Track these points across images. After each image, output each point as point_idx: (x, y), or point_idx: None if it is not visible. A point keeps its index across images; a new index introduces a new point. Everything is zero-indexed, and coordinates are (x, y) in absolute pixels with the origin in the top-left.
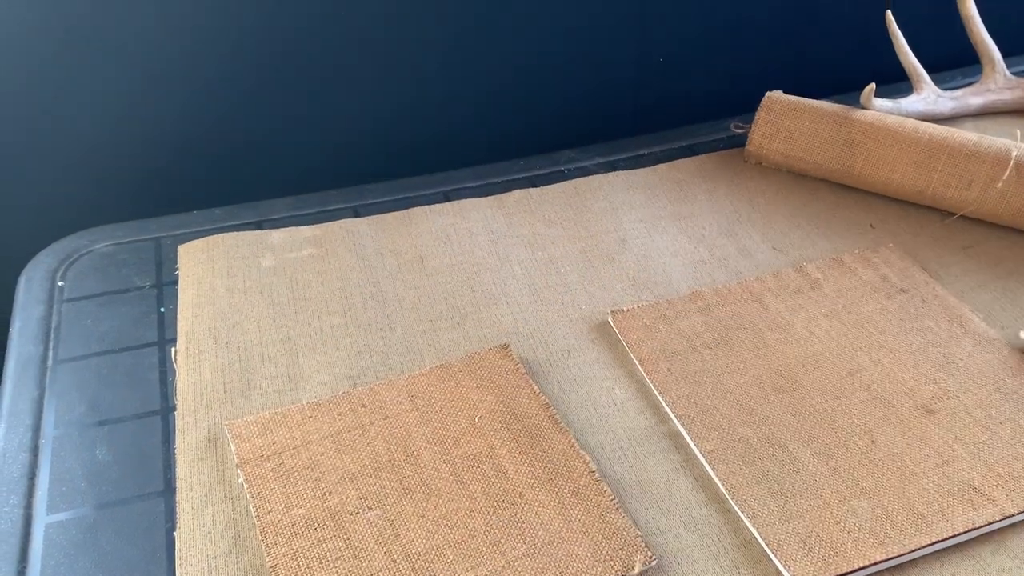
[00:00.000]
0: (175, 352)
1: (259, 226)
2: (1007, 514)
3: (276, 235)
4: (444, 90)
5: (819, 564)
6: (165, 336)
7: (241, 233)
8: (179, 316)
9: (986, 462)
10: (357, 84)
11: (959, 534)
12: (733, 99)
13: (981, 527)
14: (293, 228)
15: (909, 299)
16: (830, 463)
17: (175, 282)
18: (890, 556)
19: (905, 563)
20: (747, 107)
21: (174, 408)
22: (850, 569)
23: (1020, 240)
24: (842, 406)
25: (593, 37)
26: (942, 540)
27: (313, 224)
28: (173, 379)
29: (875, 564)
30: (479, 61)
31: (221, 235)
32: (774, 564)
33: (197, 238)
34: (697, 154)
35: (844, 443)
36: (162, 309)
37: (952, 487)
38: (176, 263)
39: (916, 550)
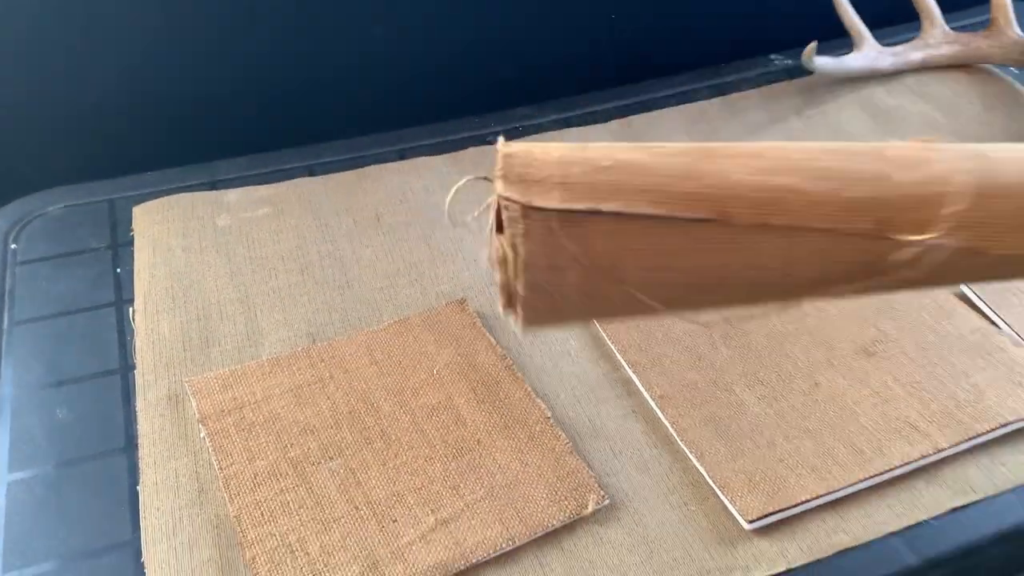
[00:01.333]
0: (133, 312)
1: (214, 186)
2: (940, 448)
3: (231, 195)
4: (397, 48)
5: (763, 499)
6: (122, 296)
7: (196, 194)
8: (136, 276)
9: (921, 400)
10: (309, 42)
11: (896, 468)
12: (684, 55)
13: (916, 460)
14: (248, 188)
15: None
16: (775, 405)
17: (130, 243)
18: (831, 490)
19: (846, 496)
20: (699, 63)
21: (133, 367)
22: (793, 503)
23: None
24: (787, 351)
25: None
26: (880, 474)
27: (268, 184)
28: (131, 338)
29: (817, 497)
30: (432, 19)
31: (176, 196)
32: (721, 501)
33: (152, 199)
34: (650, 110)
35: (788, 386)
36: (118, 270)
37: (890, 424)
38: (131, 224)
39: (855, 483)
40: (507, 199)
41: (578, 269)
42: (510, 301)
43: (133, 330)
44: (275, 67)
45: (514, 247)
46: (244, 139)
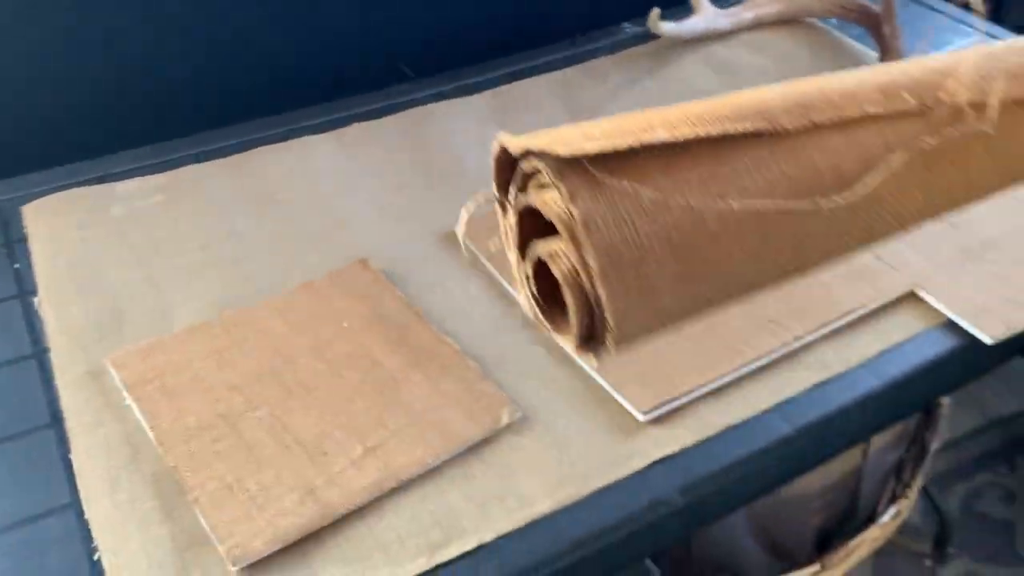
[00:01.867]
0: (38, 301)
1: (103, 180)
2: (798, 336)
3: (122, 186)
4: (276, 34)
5: (654, 394)
6: (24, 289)
7: (86, 188)
8: (36, 269)
9: (780, 300)
10: (188, 30)
11: (764, 356)
12: (545, 29)
13: (780, 348)
14: (139, 178)
15: None
16: None
17: (25, 240)
18: (710, 379)
19: (725, 385)
20: (558, 36)
21: (47, 350)
22: (679, 393)
23: None
24: None
25: None
26: (751, 362)
27: (158, 173)
28: (41, 326)
29: (700, 387)
30: (310, 4)
31: (66, 192)
32: (618, 401)
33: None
34: (517, 79)
35: None
36: (16, 266)
37: (756, 323)
38: (22, 224)
39: (731, 372)
40: (540, 155)
41: (648, 222)
42: (589, 331)
43: (41, 318)
44: (156, 57)
45: (556, 252)
46: (130, 133)
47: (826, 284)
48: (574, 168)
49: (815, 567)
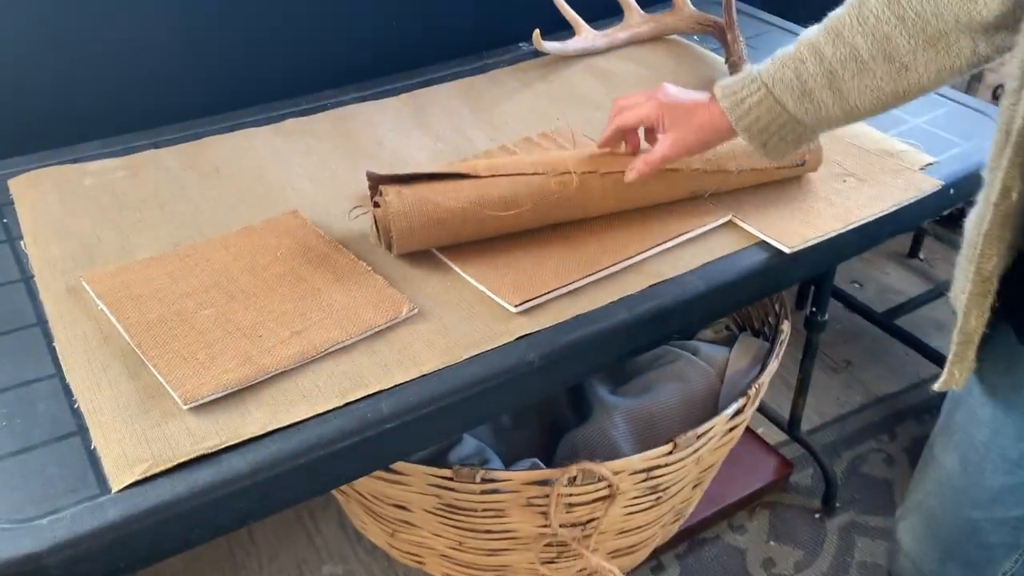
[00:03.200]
0: (24, 243)
1: (75, 162)
2: (639, 252)
3: (92, 165)
4: (223, 40)
5: (523, 293)
6: (12, 236)
7: (61, 167)
8: (21, 222)
9: (626, 228)
10: (149, 39)
11: (608, 267)
12: (454, 45)
13: (623, 261)
14: (105, 160)
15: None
16: (528, 246)
17: (11, 203)
18: (567, 282)
19: (579, 288)
20: (466, 51)
21: (32, 276)
22: (542, 291)
23: None
24: None
25: (335, 4)
26: (598, 271)
27: (121, 156)
28: (27, 260)
29: (557, 288)
30: (253, 19)
31: (44, 168)
32: (494, 300)
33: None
34: (429, 86)
35: (536, 234)
36: (4, 220)
37: (605, 244)
38: (8, 194)
39: (583, 278)
40: (380, 180)
41: (416, 209)
42: (388, 243)
43: (27, 254)
44: (117, 63)
45: (384, 211)
46: (97, 126)
47: (662, 217)
48: (393, 186)
49: (669, 446)
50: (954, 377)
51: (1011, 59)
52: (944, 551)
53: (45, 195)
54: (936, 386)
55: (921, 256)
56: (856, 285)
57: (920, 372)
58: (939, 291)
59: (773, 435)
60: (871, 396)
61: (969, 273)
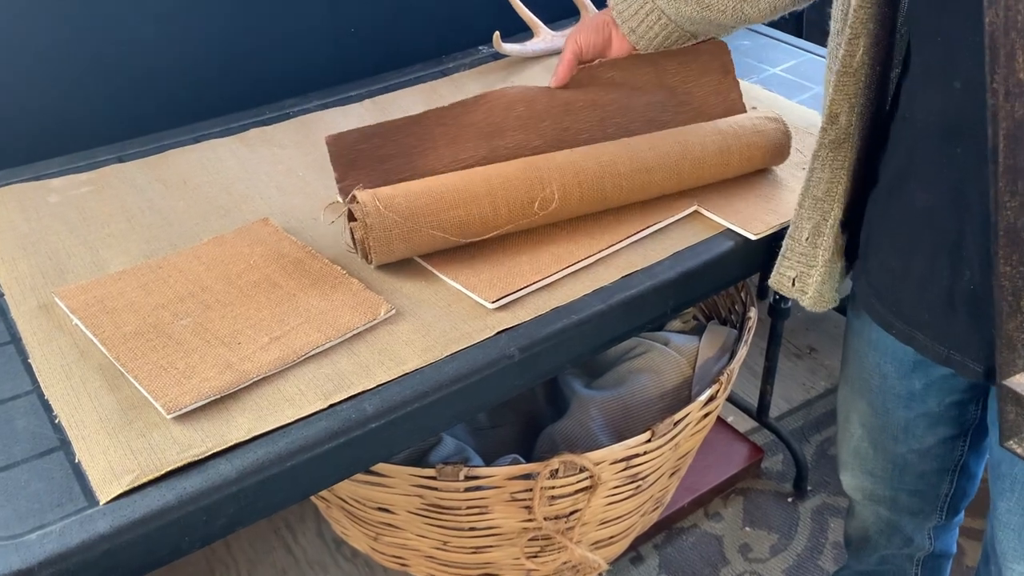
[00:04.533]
0: None
1: (37, 180)
2: (609, 245)
3: (56, 182)
4: (184, 53)
5: (498, 290)
6: None
7: (23, 184)
8: None
9: (595, 222)
10: (110, 52)
11: (583, 260)
12: (416, 50)
13: (596, 254)
14: (70, 176)
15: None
16: (501, 244)
17: None
18: (543, 276)
19: (555, 281)
20: (427, 56)
21: (2, 295)
22: (517, 287)
23: None
24: None
25: (296, 12)
26: (572, 265)
27: (86, 172)
28: None
29: (532, 283)
30: (210, 25)
31: (5, 187)
32: (471, 297)
33: None
34: (392, 91)
35: (509, 232)
36: None
37: (576, 239)
38: None
39: (559, 271)
40: (357, 194)
41: (396, 232)
42: (366, 257)
43: None
44: (80, 77)
45: (364, 233)
46: (58, 141)
47: (630, 210)
48: (369, 200)
49: (647, 435)
50: (780, 281)
51: (834, 4)
52: (889, 485)
53: (9, 213)
54: (769, 281)
55: None
56: None
57: None
58: None
59: (743, 422)
60: (835, 381)
61: (804, 197)
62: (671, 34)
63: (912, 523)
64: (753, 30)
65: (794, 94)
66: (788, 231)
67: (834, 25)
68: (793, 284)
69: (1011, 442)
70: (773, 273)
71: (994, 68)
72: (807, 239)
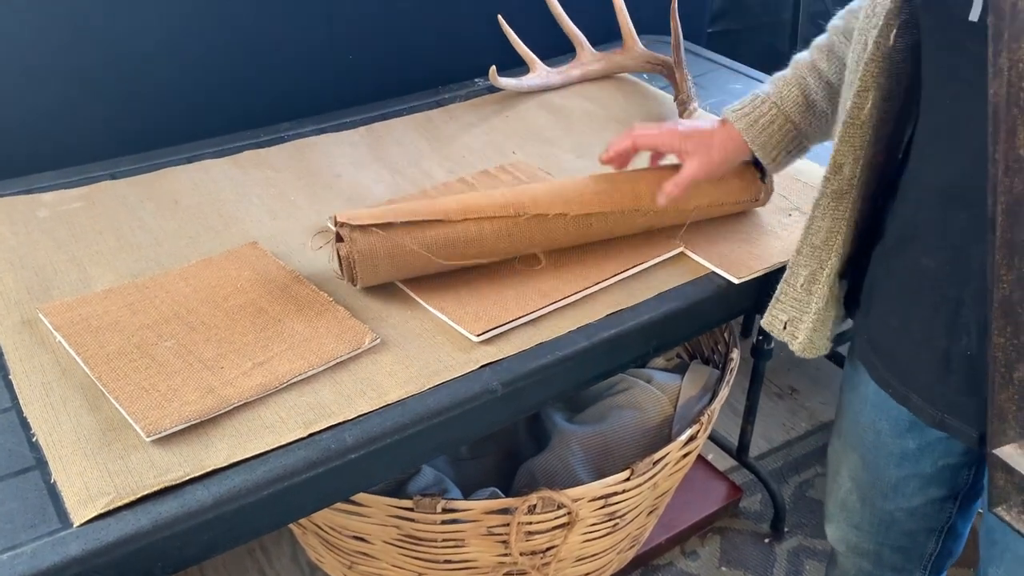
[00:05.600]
0: None
1: (28, 193)
2: (594, 282)
3: (46, 196)
4: (179, 68)
5: (483, 323)
6: None
7: (13, 197)
8: None
9: (582, 260)
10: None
11: (568, 297)
12: (413, 80)
13: (580, 292)
14: (61, 191)
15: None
16: (488, 277)
17: None
18: (527, 312)
19: (538, 317)
20: (423, 86)
21: None
22: (502, 322)
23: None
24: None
25: (295, 37)
26: (558, 301)
27: (77, 187)
28: None
29: (517, 318)
30: (208, 46)
31: None
32: (456, 329)
33: None
34: (387, 119)
35: (496, 265)
36: None
37: (563, 275)
38: None
39: (541, 308)
40: (345, 220)
41: (381, 249)
42: (352, 278)
43: None
44: (74, 93)
45: (349, 249)
46: (51, 156)
47: (616, 248)
48: (356, 225)
49: (626, 473)
50: (772, 323)
51: (850, 55)
52: (874, 539)
53: None
54: (761, 322)
55: None
56: None
57: None
58: None
59: (722, 461)
60: (816, 422)
61: (803, 244)
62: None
63: None
64: (746, 75)
65: None
66: (784, 275)
67: (848, 75)
68: (784, 328)
69: (999, 508)
70: (766, 315)
71: (995, 141)
72: (802, 285)
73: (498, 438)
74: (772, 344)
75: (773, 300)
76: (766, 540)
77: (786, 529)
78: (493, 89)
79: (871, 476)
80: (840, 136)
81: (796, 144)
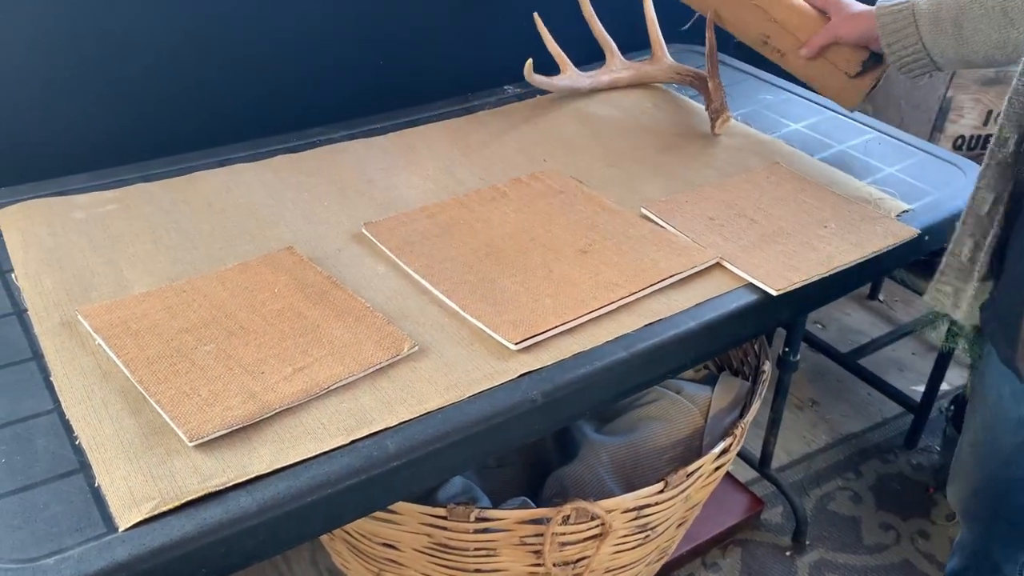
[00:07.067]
0: (15, 276)
1: (62, 195)
2: (632, 292)
3: (81, 198)
4: (211, 72)
5: (522, 331)
6: (2, 269)
7: (50, 199)
8: (10, 254)
9: (618, 269)
10: (135, 66)
11: (606, 305)
12: (442, 87)
13: (617, 301)
14: (95, 193)
15: (565, 197)
16: (524, 285)
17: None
18: (564, 321)
19: (577, 326)
20: (452, 92)
21: (25, 310)
22: (541, 330)
23: (627, 156)
24: (528, 256)
25: (327, 43)
26: (596, 310)
27: (111, 190)
28: (19, 293)
29: (557, 327)
30: (239, 50)
31: (32, 201)
32: (494, 337)
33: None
34: (417, 126)
35: (532, 273)
36: None
37: (600, 285)
38: None
39: (580, 317)
40: None
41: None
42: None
43: (18, 287)
44: (109, 97)
45: None
46: (86, 158)
47: (653, 258)
48: None
49: (660, 485)
50: (937, 296)
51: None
52: (987, 507)
53: (35, 227)
54: (925, 297)
55: (881, 298)
56: (819, 326)
57: (883, 412)
58: (899, 332)
59: (743, 472)
60: (837, 435)
61: (968, 215)
62: (920, 61)
63: (1003, 553)
64: (775, 84)
65: (816, 151)
66: (948, 248)
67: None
68: (950, 299)
69: None
70: (929, 289)
71: None
72: (967, 255)
73: (523, 447)
74: (798, 356)
75: (937, 273)
76: (787, 553)
77: (808, 542)
78: (522, 96)
79: (989, 439)
80: (1005, 112)
81: (917, 57)
